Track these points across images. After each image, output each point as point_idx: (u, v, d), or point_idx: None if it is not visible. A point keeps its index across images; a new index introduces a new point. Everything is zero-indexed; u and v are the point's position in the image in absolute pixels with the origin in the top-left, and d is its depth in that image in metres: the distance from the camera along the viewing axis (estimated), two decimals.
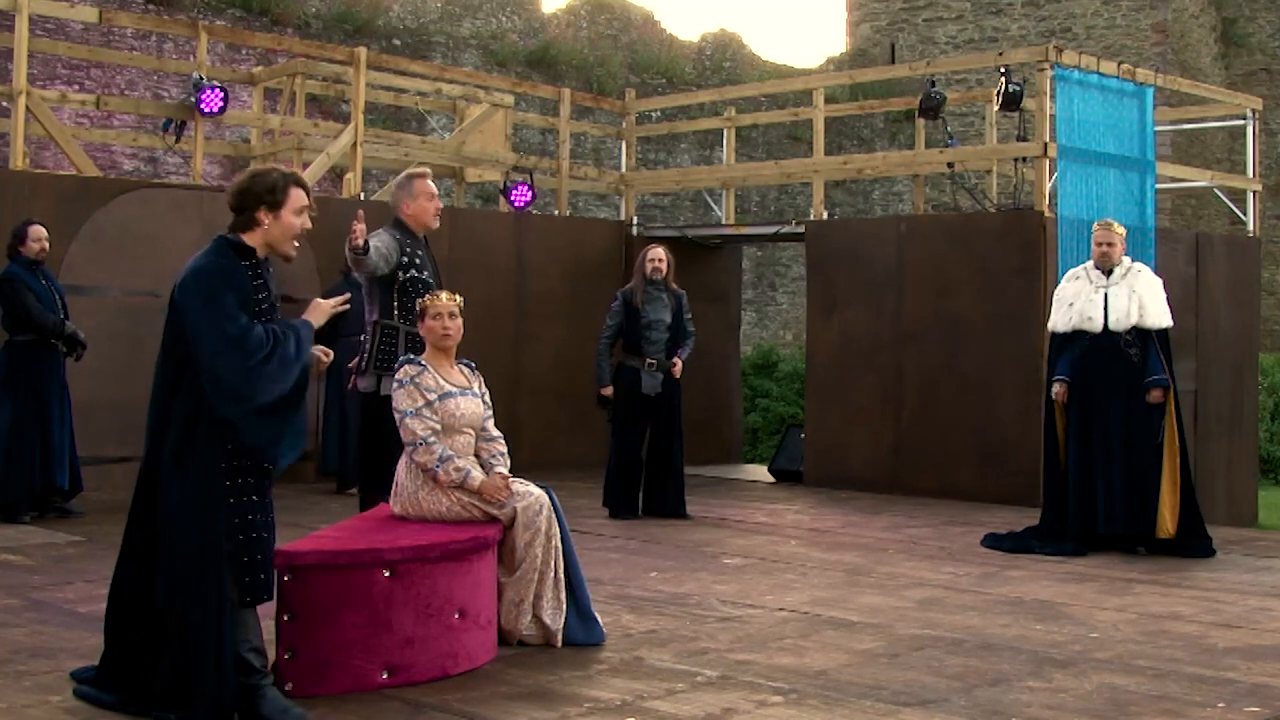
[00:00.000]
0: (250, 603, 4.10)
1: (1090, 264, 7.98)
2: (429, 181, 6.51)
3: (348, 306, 4.43)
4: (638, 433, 8.86)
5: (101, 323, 9.05)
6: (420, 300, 5.37)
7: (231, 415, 3.99)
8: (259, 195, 4.24)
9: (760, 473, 12.31)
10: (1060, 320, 7.96)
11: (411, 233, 6.48)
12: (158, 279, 9.76)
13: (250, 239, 4.25)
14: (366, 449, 6.38)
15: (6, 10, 9.93)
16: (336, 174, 12.86)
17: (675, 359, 8.87)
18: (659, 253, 8.93)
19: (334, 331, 9.85)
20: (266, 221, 4.24)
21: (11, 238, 8.24)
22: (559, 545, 5.16)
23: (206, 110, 10.13)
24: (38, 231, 8.28)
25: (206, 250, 4.25)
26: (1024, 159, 10.90)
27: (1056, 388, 7.91)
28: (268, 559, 4.15)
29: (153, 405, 4.19)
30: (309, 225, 4.29)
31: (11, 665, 4.68)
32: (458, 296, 5.42)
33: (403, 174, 6.66)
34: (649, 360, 8.77)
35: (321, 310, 4.34)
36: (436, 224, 6.56)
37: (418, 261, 6.41)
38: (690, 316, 9.02)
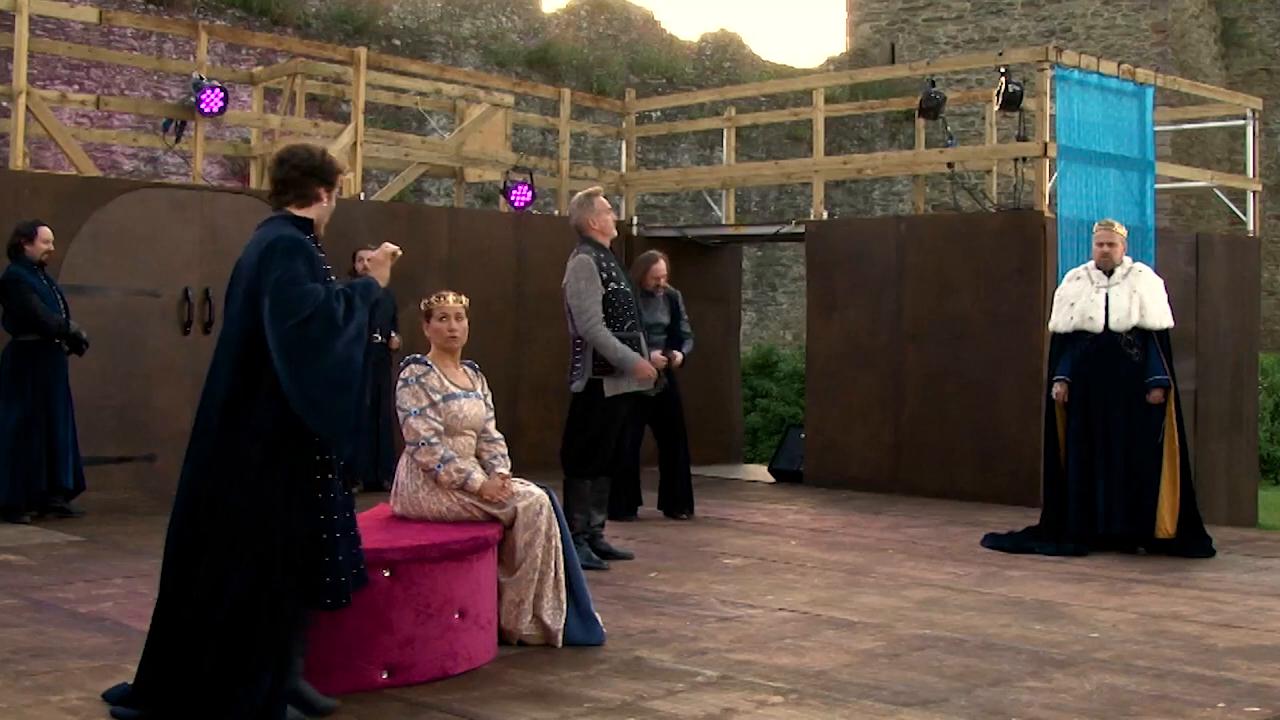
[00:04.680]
0: (330, 606, 4.04)
1: (1091, 264, 7.98)
2: (603, 197, 7.19)
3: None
4: (637, 434, 8.84)
5: (101, 323, 9.04)
6: (426, 301, 5.38)
7: (287, 388, 3.89)
8: (325, 174, 4.24)
9: (760, 473, 12.31)
10: (1061, 320, 7.96)
11: (602, 247, 7.01)
12: (158, 279, 9.78)
13: (307, 213, 4.22)
14: (571, 440, 7.02)
15: (6, 10, 9.92)
16: None
17: (674, 351, 8.82)
18: (663, 267, 8.86)
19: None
20: (325, 200, 4.25)
21: (17, 236, 8.24)
22: (559, 545, 5.16)
23: (206, 110, 10.13)
24: (47, 234, 8.28)
25: (268, 226, 4.18)
26: (1024, 159, 10.89)
27: (1057, 388, 7.91)
28: (345, 561, 4.06)
29: (223, 405, 4.02)
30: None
31: (11, 665, 4.68)
32: (463, 298, 5.42)
33: (580, 194, 7.20)
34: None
35: (384, 262, 4.32)
36: (609, 233, 7.11)
37: (614, 274, 6.94)
38: (687, 318, 9.00)
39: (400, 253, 4.42)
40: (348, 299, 4.03)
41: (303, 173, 4.19)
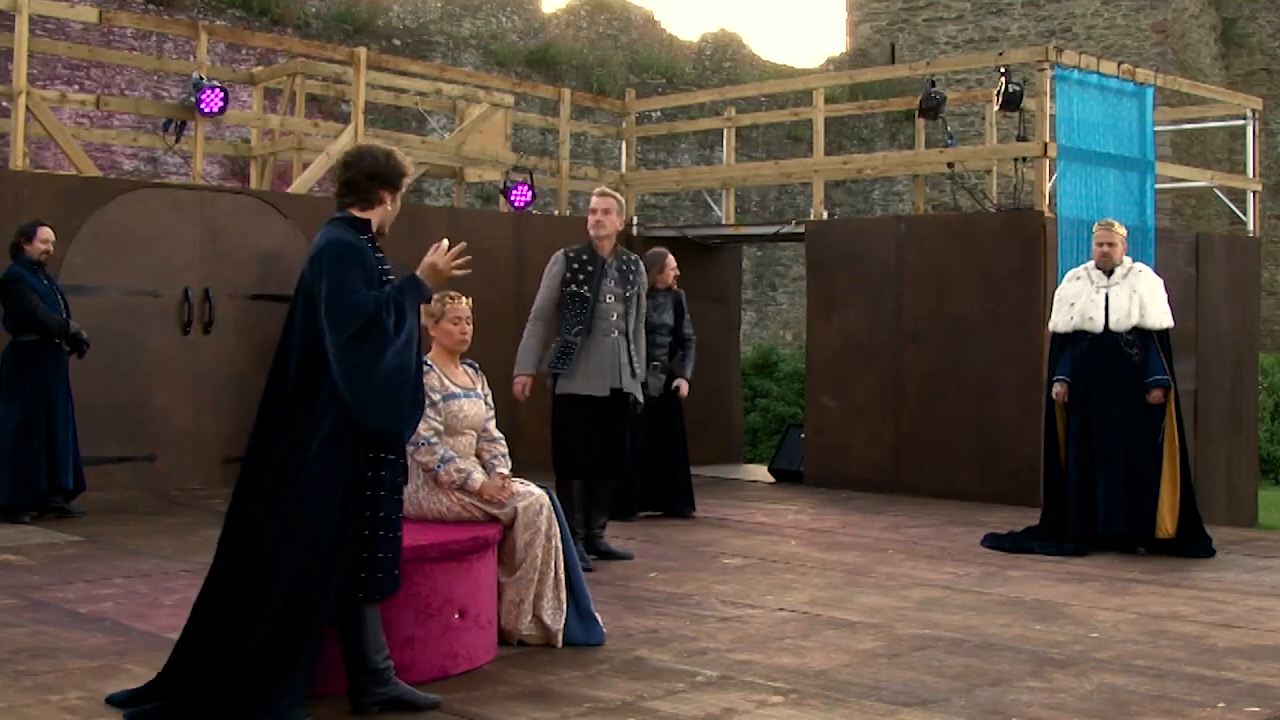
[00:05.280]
0: (377, 599, 4.14)
1: (1091, 264, 7.98)
2: (596, 195, 7.17)
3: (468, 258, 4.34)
4: (641, 435, 8.82)
5: (101, 323, 9.04)
6: (437, 302, 5.36)
7: (348, 393, 3.98)
8: (390, 177, 4.28)
9: (760, 473, 12.31)
10: (1061, 320, 7.96)
11: (592, 251, 7.08)
12: (158, 279, 9.78)
13: (368, 215, 4.26)
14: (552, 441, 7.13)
15: (6, 10, 9.92)
16: (336, 174, 12.84)
17: (680, 380, 8.78)
18: (673, 262, 8.93)
19: None
20: (388, 202, 4.29)
21: (18, 236, 8.24)
22: (559, 545, 5.16)
23: (206, 110, 10.13)
24: (47, 233, 8.28)
25: (328, 228, 4.24)
26: (1024, 159, 10.89)
27: (1057, 388, 7.91)
28: (397, 555, 4.19)
29: (286, 402, 4.09)
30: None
31: (11, 665, 4.68)
32: (468, 300, 5.43)
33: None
34: (653, 362, 8.75)
35: (437, 265, 4.23)
36: (595, 231, 7.09)
37: (585, 277, 7.00)
38: (689, 319, 9.01)
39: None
40: (398, 307, 4.07)
41: (367, 177, 4.25)
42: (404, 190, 4.36)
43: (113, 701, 4.22)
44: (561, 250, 7.15)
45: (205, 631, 4.10)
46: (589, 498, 7.17)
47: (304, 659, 3.96)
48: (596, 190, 7.26)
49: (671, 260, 8.96)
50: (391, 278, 4.21)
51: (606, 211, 7.07)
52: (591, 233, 7.08)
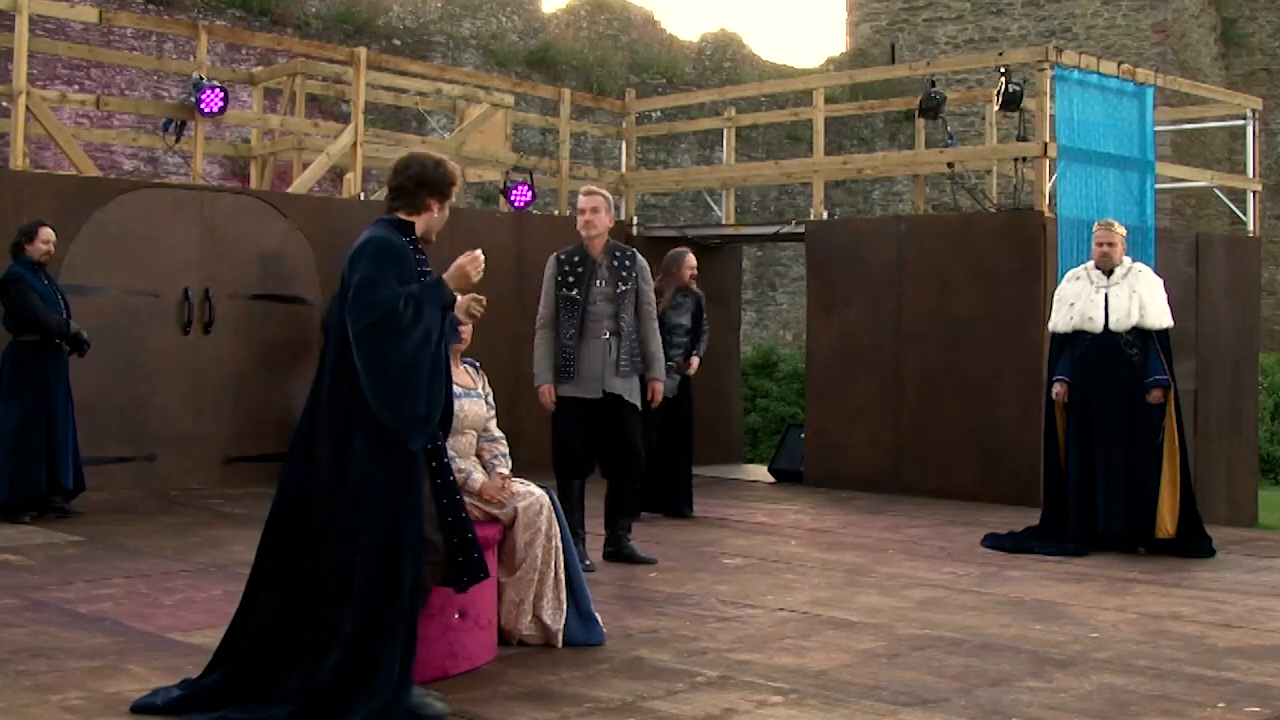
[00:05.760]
0: (468, 583, 4.24)
1: (1091, 264, 7.98)
2: (582, 195, 7.10)
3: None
4: (654, 435, 8.77)
5: (102, 323, 9.04)
6: (474, 300, 5.34)
7: (370, 392, 4.04)
8: (438, 185, 4.35)
9: (760, 473, 12.31)
10: (1061, 320, 7.96)
11: (584, 253, 7.04)
12: (158, 279, 9.77)
13: (413, 219, 4.33)
14: (552, 442, 7.09)
15: (6, 10, 9.92)
16: (336, 174, 12.86)
17: (693, 357, 8.86)
18: (693, 260, 8.95)
19: None
20: (435, 209, 4.35)
21: (19, 236, 8.24)
22: (559, 545, 5.15)
23: (206, 110, 10.13)
24: (48, 234, 8.28)
25: (371, 228, 4.31)
26: (1024, 159, 10.89)
27: (1057, 388, 7.91)
28: (475, 538, 4.27)
29: (328, 397, 4.15)
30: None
31: (11, 665, 4.68)
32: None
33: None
34: (669, 362, 8.74)
35: (466, 265, 4.27)
36: (585, 231, 7.04)
37: (577, 279, 6.97)
38: (706, 316, 9.05)
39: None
40: (416, 304, 4.11)
41: (416, 183, 4.34)
42: (453, 198, 4.42)
43: (140, 709, 4.14)
44: (554, 254, 7.13)
45: (269, 634, 4.10)
46: (611, 499, 7.16)
47: (387, 660, 3.96)
48: (583, 190, 7.15)
49: (690, 259, 8.94)
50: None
51: (595, 210, 7.01)
52: (583, 233, 7.05)
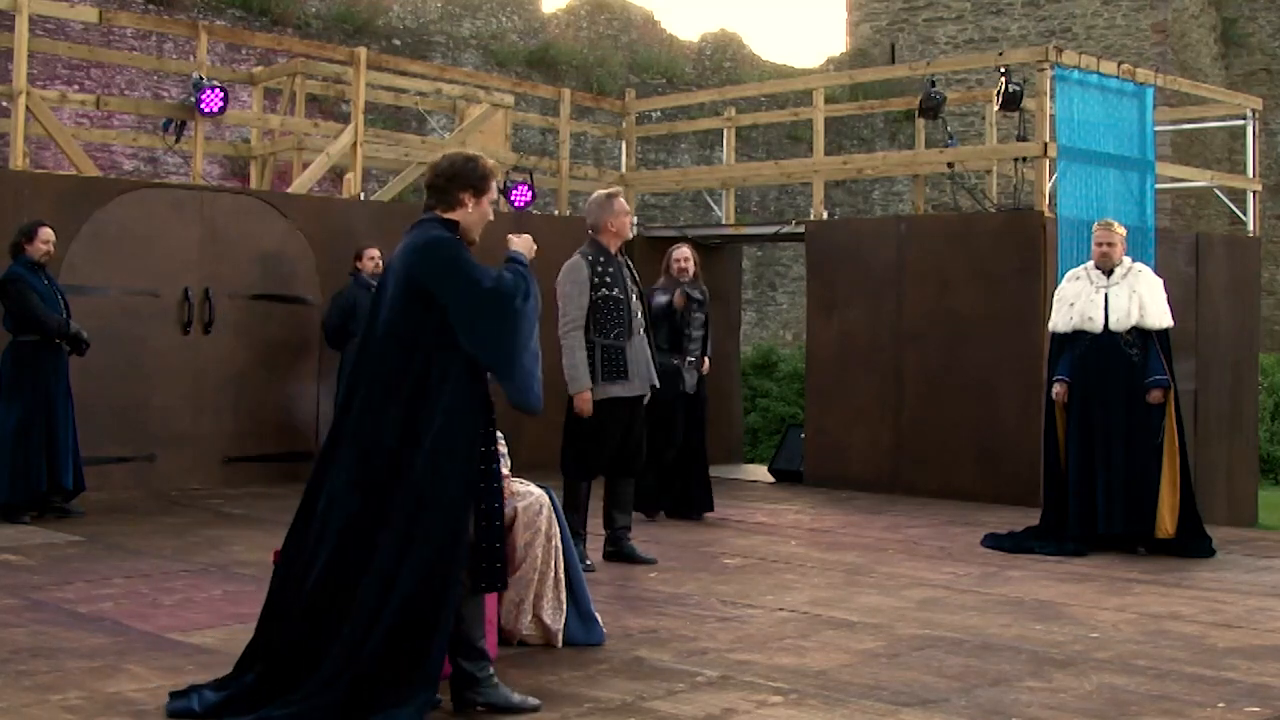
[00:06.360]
0: (485, 589, 4.23)
1: (1091, 264, 7.98)
2: (621, 199, 7.10)
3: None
4: (676, 435, 8.68)
5: (101, 323, 9.03)
6: None
7: (502, 370, 4.14)
8: (469, 180, 4.36)
9: (760, 473, 12.31)
10: (1061, 320, 7.96)
11: (606, 249, 6.93)
12: (158, 279, 9.78)
13: (452, 216, 4.36)
14: (568, 444, 6.98)
15: (6, 10, 9.93)
16: (336, 174, 12.86)
17: (705, 356, 8.84)
18: (685, 252, 8.89)
19: (344, 332, 9.97)
20: (470, 205, 4.36)
21: (19, 236, 8.24)
22: (559, 545, 5.15)
23: (206, 110, 10.13)
24: (47, 233, 8.28)
25: (418, 228, 4.33)
26: (1024, 159, 10.89)
27: (1057, 388, 7.91)
28: (504, 548, 4.28)
29: (385, 401, 4.13)
30: (492, 217, 4.47)
31: (11, 665, 4.68)
32: None
33: (601, 193, 7.12)
34: (689, 358, 8.72)
35: (526, 241, 4.47)
36: (624, 234, 7.06)
37: (611, 279, 6.88)
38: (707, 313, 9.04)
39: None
40: (526, 283, 4.29)
41: (447, 179, 4.35)
42: (491, 195, 4.42)
43: (177, 715, 4.10)
44: (578, 255, 6.96)
45: (303, 628, 4.08)
46: (612, 499, 7.14)
47: (434, 652, 3.99)
48: (617, 193, 7.08)
49: (682, 251, 8.91)
50: None
51: (628, 214, 7.14)
52: (621, 236, 6.98)
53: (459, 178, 4.34)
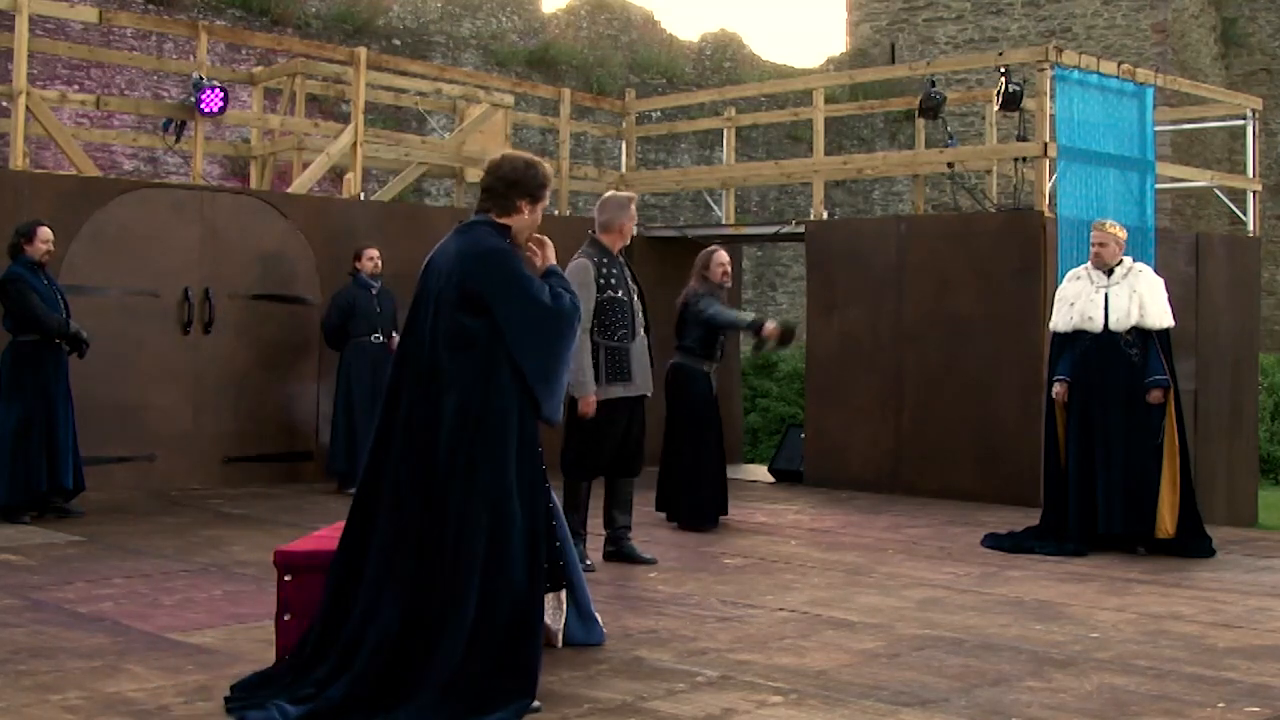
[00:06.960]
0: (550, 588, 4.32)
1: (1090, 264, 7.98)
2: (627, 196, 7.17)
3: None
4: (706, 435, 8.55)
5: (101, 323, 9.03)
6: None
7: (540, 384, 4.16)
8: (528, 186, 4.35)
9: (760, 473, 12.31)
10: (1061, 320, 7.96)
11: (609, 251, 6.91)
12: (158, 279, 9.78)
13: (506, 222, 4.36)
14: (569, 444, 6.94)
15: (6, 10, 9.93)
16: (336, 174, 12.86)
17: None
18: (725, 257, 8.67)
19: (344, 332, 9.95)
20: (525, 212, 4.36)
21: (18, 236, 8.23)
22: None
23: (206, 110, 10.13)
24: (46, 233, 8.28)
25: (473, 232, 4.31)
26: (1024, 159, 10.89)
27: (1057, 388, 7.92)
28: (563, 546, 4.38)
29: (438, 401, 4.15)
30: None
31: (11, 665, 4.68)
32: None
33: (618, 195, 7.13)
34: (715, 364, 8.66)
35: (550, 249, 4.52)
36: (630, 234, 7.06)
37: (615, 281, 6.86)
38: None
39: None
40: (575, 299, 4.36)
41: (506, 184, 4.33)
42: (545, 201, 4.41)
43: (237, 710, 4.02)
44: (582, 256, 6.92)
45: (379, 634, 4.02)
46: (612, 499, 7.13)
47: (539, 651, 4.05)
48: (624, 192, 7.10)
49: (722, 255, 8.71)
50: None
51: (633, 217, 7.09)
52: (625, 239, 6.97)
53: (519, 185, 4.31)
